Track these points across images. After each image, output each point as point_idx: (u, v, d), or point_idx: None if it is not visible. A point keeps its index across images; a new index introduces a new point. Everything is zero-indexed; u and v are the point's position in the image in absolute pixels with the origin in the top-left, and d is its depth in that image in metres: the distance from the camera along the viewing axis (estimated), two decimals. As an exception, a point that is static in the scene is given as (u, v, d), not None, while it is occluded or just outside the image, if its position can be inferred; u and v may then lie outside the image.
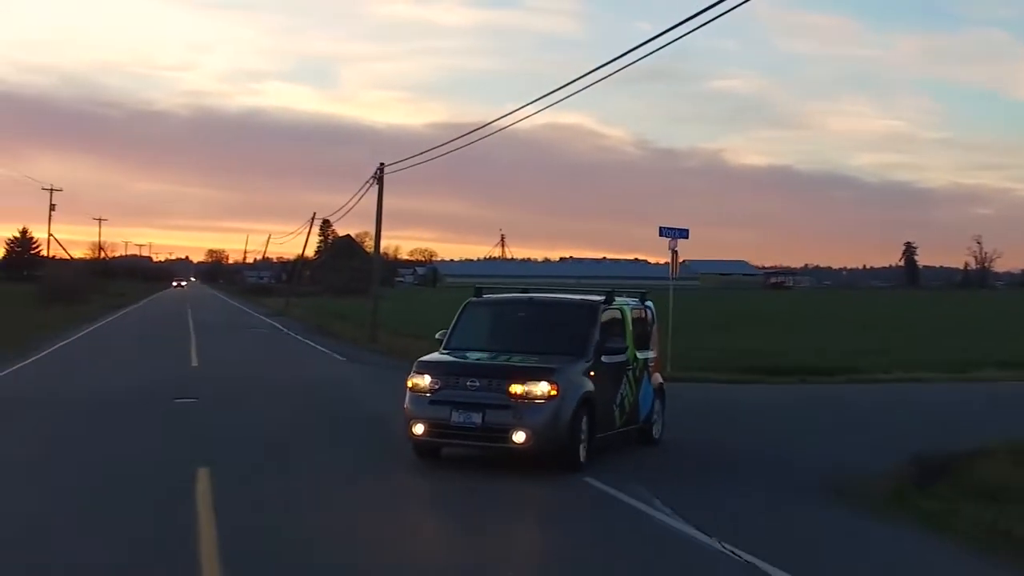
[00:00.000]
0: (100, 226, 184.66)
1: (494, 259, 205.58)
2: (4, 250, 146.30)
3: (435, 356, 14.24)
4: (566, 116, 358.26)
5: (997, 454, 13.17)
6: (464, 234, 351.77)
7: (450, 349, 14.44)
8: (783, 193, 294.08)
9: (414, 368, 13.77)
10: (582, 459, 13.08)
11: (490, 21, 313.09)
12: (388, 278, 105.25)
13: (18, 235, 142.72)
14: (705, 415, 19.58)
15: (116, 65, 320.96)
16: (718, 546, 9.45)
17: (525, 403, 12.77)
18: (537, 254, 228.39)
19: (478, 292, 15.57)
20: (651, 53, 17.36)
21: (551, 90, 22.13)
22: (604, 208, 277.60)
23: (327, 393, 22.57)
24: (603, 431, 13.78)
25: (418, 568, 8.94)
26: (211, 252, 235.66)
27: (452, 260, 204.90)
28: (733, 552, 9.20)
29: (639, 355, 15.26)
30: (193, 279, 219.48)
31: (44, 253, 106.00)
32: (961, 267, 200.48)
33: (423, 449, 13.73)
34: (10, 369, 26.42)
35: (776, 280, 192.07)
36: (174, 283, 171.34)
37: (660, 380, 16.12)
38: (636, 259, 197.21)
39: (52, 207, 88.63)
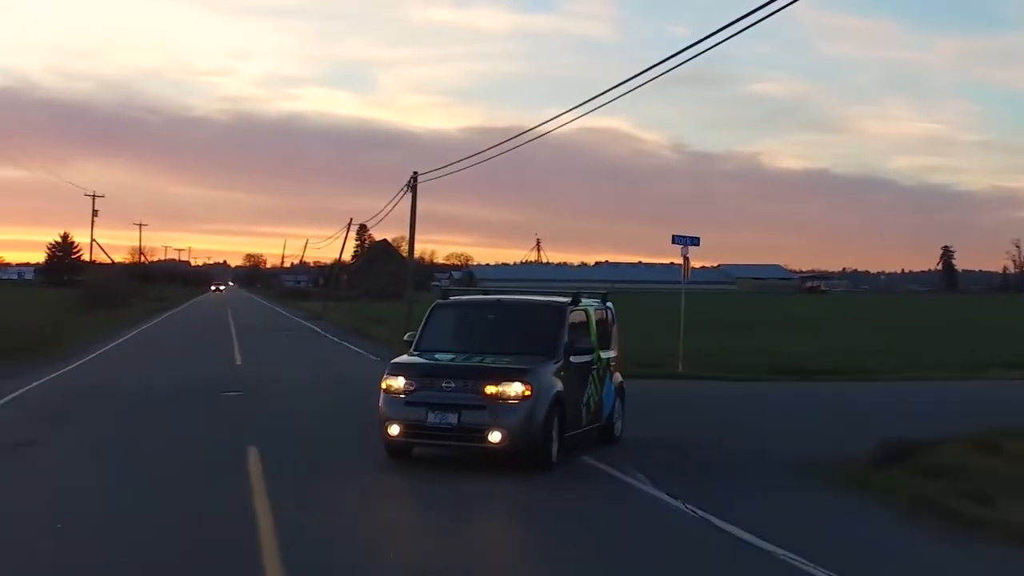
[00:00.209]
0: (140, 231, 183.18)
1: (530, 263, 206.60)
2: (45, 255, 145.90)
3: (408, 358, 14.34)
4: (602, 120, 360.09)
5: (961, 441, 14.37)
6: (500, 239, 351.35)
7: (420, 351, 14.53)
8: (820, 197, 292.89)
9: (388, 370, 13.91)
10: (554, 458, 13.38)
11: (524, 25, 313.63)
12: (424, 282, 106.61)
13: (59, 239, 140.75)
14: (680, 409, 21.09)
15: (155, 71, 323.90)
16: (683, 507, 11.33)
17: (500, 403, 13.00)
18: (573, 258, 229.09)
19: (445, 294, 15.94)
20: (691, 59, 17.26)
21: (589, 97, 21.96)
22: (640, 212, 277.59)
23: (359, 390, 24.19)
24: (571, 430, 14.03)
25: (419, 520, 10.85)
26: (249, 256, 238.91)
27: (488, 264, 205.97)
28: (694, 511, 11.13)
29: (603, 355, 15.61)
30: (231, 283, 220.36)
31: (85, 258, 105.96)
32: (1000, 271, 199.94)
33: (396, 450, 13.87)
34: (67, 368, 28.26)
35: (811, 284, 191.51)
36: (213, 287, 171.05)
37: (620, 379, 16.43)
38: (672, 263, 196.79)
39: (95, 212, 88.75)
